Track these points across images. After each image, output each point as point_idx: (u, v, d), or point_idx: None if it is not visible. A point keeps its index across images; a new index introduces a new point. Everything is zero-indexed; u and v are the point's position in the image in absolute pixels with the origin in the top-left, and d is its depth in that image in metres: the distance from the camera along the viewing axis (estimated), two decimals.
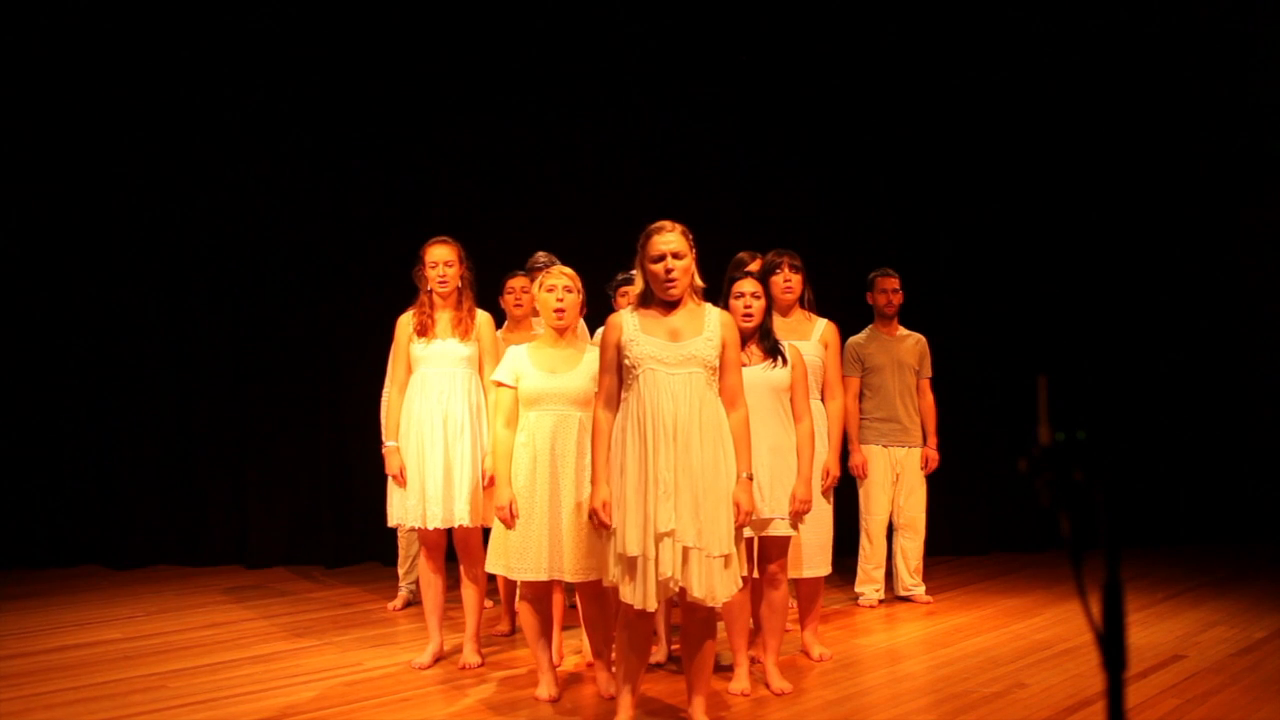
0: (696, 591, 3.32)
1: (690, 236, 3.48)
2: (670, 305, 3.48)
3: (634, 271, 3.58)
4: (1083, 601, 1.60)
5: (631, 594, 3.32)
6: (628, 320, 3.48)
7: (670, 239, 3.42)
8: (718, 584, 3.34)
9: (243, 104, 7.11)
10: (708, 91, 7.26)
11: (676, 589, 3.33)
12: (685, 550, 3.30)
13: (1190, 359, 7.35)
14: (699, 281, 3.51)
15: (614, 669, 3.79)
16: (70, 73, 7.02)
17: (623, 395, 3.46)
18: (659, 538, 3.28)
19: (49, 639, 5.07)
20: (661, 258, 3.42)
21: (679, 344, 3.41)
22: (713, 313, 3.52)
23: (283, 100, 7.12)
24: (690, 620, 3.51)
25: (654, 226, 3.47)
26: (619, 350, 3.45)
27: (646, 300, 3.50)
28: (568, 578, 3.85)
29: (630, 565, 3.32)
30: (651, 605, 3.31)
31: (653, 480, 3.30)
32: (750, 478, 3.46)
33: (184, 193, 7.12)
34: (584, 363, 3.92)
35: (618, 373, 3.47)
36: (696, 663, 3.55)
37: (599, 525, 3.44)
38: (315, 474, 7.10)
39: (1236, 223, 7.59)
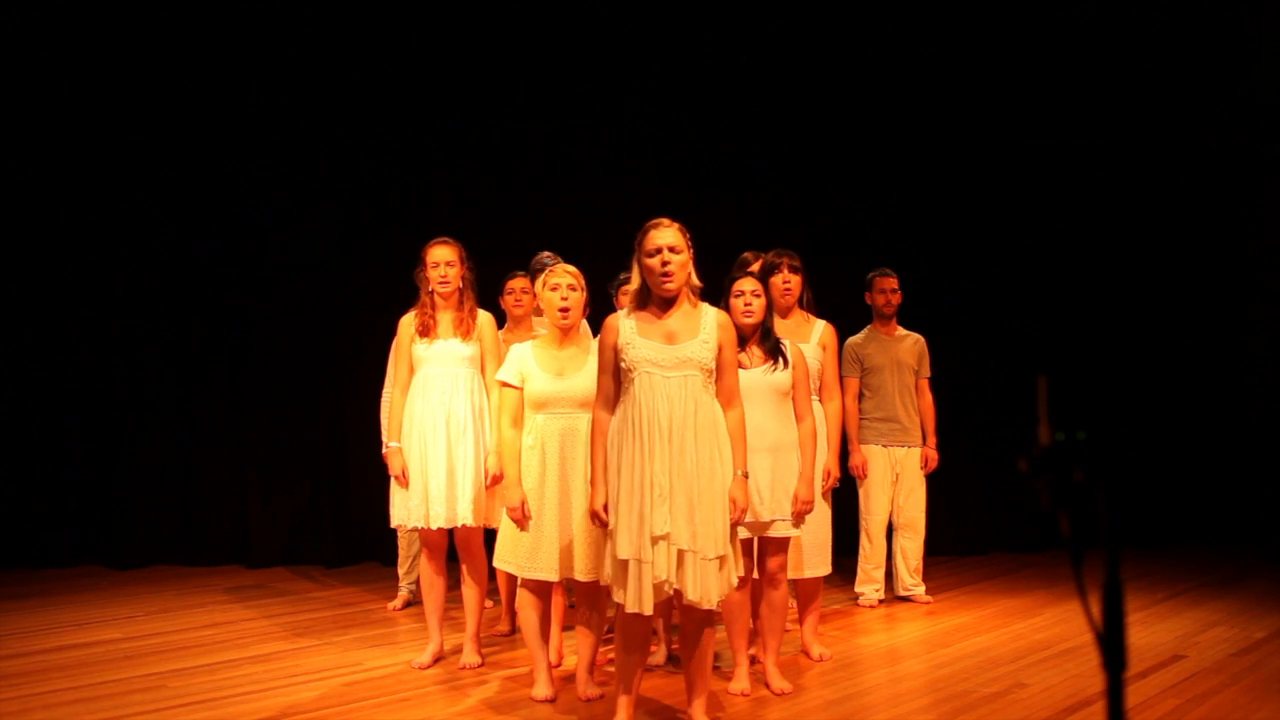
0: (691, 594, 3.31)
1: (688, 234, 3.47)
2: (667, 305, 3.46)
3: (628, 273, 3.57)
4: (1083, 601, 1.60)
5: (625, 597, 3.32)
6: (624, 323, 3.47)
7: (667, 234, 3.42)
8: (712, 586, 3.34)
9: (243, 103, 7.10)
10: (708, 91, 7.27)
11: (671, 591, 3.33)
12: (680, 553, 3.30)
13: (1190, 359, 7.35)
14: (696, 280, 3.50)
15: (612, 669, 3.79)
16: (71, 73, 7.02)
17: (619, 397, 3.47)
18: (654, 540, 3.27)
19: (49, 639, 5.07)
20: (658, 251, 3.40)
21: (675, 347, 3.41)
22: (709, 313, 3.51)
23: (283, 99, 7.12)
24: (688, 621, 3.51)
25: (650, 223, 3.46)
26: (616, 353, 3.45)
27: (643, 300, 3.49)
28: (578, 577, 3.85)
29: (624, 568, 3.32)
30: (647, 609, 3.30)
31: (648, 483, 3.30)
32: (746, 475, 3.47)
33: (184, 192, 7.12)
34: (589, 364, 3.90)
35: (615, 375, 3.47)
36: (695, 663, 3.55)
37: (600, 525, 3.45)
38: (315, 474, 7.09)
39: (1236, 222, 7.59)
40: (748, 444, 3.86)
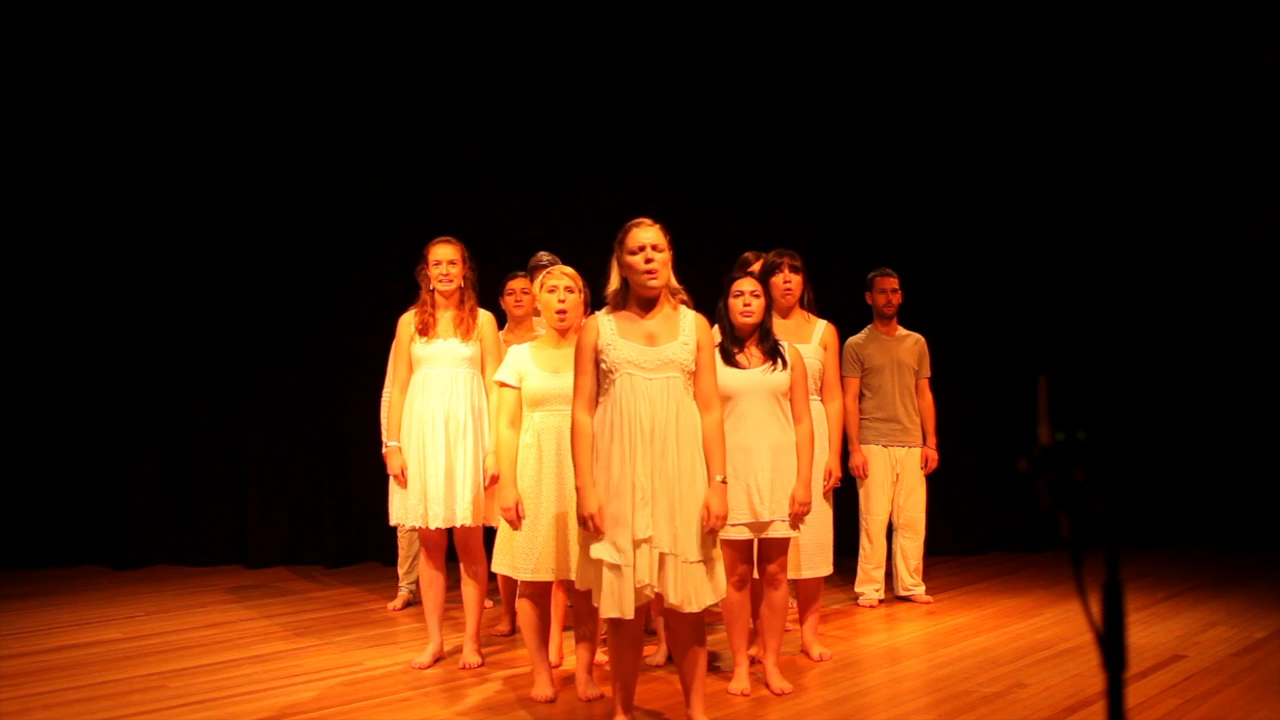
0: (673, 598, 3.29)
1: (668, 235, 3.45)
2: (648, 307, 3.43)
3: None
4: (1083, 601, 1.60)
5: (603, 602, 3.29)
6: (605, 323, 3.43)
7: (649, 232, 3.40)
8: (695, 589, 3.30)
9: (242, 102, 7.11)
10: (708, 91, 7.27)
11: (653, 595, 3.30)
12: (662, 556, 3.27)
13: (1190, 358, 7.35)
14: (675, 283, 3.48)
15: (608, 669, 3.78)
16: (70, 73, 7.02)
17: (599, 399, 3.43)
18: (636, 544, 3.25)
19: (49, 639, 5.07)
20: (641, 249, 3.38)
21: (656, 349, 3.37)
22: (688, 315, 3.48)
23: (283, 99, 7.13)
24: (676, 624, 3.47)
25: (632, 222, 3.44)
26: (597, 353, 3.41)
27: (622, 301, 3.46)
28: (574, 577, 3.84)
29: (598, 571, 3.30)
30: (628, 613, 3.27)
31: (630, 486, 3.27)
32: (724, 481, 3.42)
33: (183, 191, 7.13)
34: None
35: (594, 375, 3.43)
36: (688, 663, 3.52)
37: (593, 531, 3.40)
38: (315, 474, 7.10)
39: (1237, 221, 7.58)
40: (746, 445, 3.88)
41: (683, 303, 3.55)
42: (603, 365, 3.39)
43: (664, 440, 3.31)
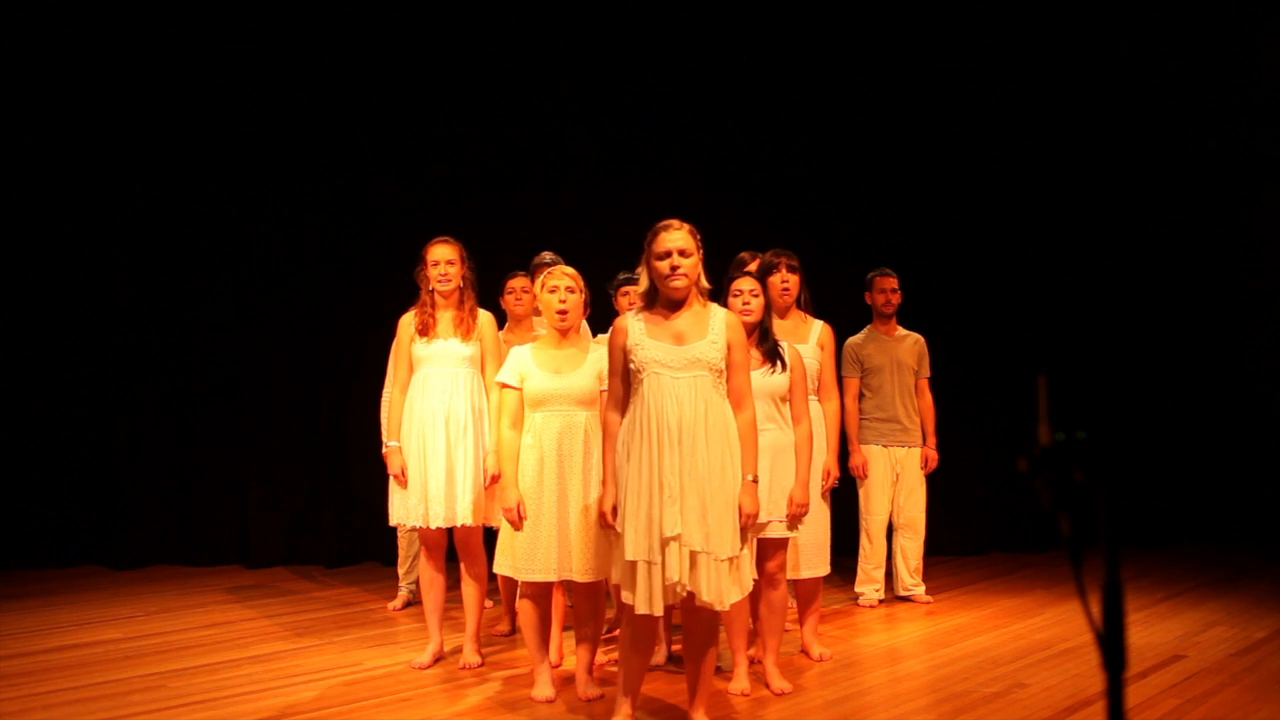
0: (705, 595, 3.30)
1: (698, 236, 3.47)
2: (676, 306, 3.46)
3: (638, 270, 3.56)
4: (1083, 601, 1.60)
5: (636, 598, 3.31)
6: (633, 324, 3.47)
7: (677, 236, 3.41)
8: (726, 587, 3.33)
9: (243, 102, 7.11)
10: (709, 91, 7.27)
11: (684, 593, 3.32)
12: (693, 554, 3.29)
13: (1190, 358, 7.34)
14: (705, 283, 3.50)
15: (612, 669, 3.79)
16: (73, 69, 7.02)
17: (629, 399, 3.46)
18: (665, 542, 3.27)
19: (49, 639, 5.07)
20: (667, 254, 3.40)
21: (684, 347, 3.40)
22: (718, 314, 3.50)
23: (283, 99, 7.12)
24: (694, 622, 3.49)
25: (661, 224, 3.46)
26: (625, 354, 3.45)
27: (651, 301, 3.49)
28: (576, 578, 3.85)
29: (633, 569, 3.32)
30: (657, 610, 3.29)
31: (658, 484, 3.29)
32: (755, 480, 3.45)
33: (185, 193, 7.12)
34: (588, 362, 3.91)
35: (624, 376, 3.47)
36: (701, 666, 3.54)
37: (606, 528, 3.45)
38: (315, 474, 7.09)
39: (1237, 220, 7.58)
40: None
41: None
42: (631, 365, 3.43)
43: (693, 439, 3.33)
